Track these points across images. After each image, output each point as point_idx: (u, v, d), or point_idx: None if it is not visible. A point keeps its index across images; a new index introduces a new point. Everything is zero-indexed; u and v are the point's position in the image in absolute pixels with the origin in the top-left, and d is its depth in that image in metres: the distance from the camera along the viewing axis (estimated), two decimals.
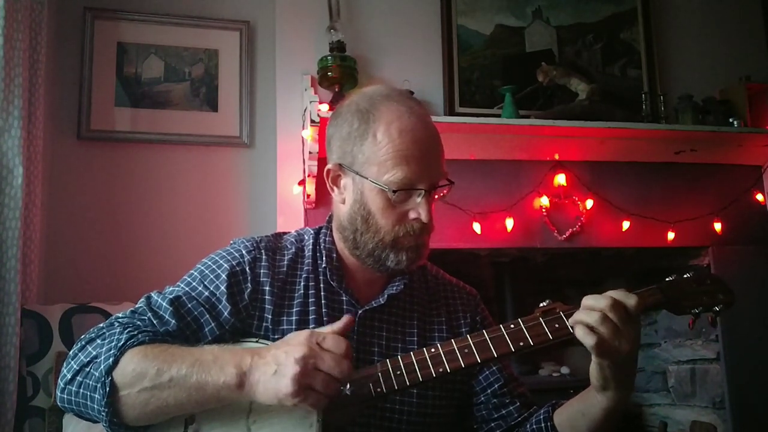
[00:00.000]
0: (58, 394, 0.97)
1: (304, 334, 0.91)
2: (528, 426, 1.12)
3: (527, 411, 1.16)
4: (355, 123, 1.07)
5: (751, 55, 2.86)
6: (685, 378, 2.73)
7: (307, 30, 2.48)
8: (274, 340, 1.03)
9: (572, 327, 0.95)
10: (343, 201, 1.11)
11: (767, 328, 2.59)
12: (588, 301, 0.95)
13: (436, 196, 1.09)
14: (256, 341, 1.03)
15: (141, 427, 0.95)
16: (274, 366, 0.88)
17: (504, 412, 1.16)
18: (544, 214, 2.49)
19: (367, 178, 1.05)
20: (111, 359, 0.92)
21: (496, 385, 1.17)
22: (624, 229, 2.56)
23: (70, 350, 1.00)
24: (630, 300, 0.95)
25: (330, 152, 1.13)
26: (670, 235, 2.58)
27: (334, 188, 1.12)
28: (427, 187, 1.05)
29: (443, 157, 1.10)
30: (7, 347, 1.90)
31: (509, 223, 2.45)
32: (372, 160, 1.05)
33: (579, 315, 0.95)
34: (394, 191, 1.03)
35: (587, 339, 0.92)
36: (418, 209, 1.05)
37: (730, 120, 2.57)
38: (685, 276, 1.08)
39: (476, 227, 2.41)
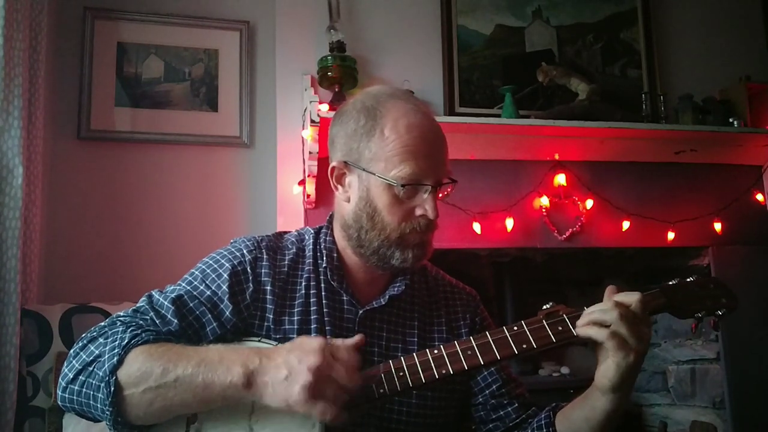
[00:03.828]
0: (60, 393, 0.97)
1: (317, 341, 0.91)
2: (529, 430, 1.12)
3: (525, 412, 1.16)
4: (361, 120, 1.08)
5: (751, 55, 2.86)
6: (685, 378, 2.73)
7: (307, 30, 2.48)
8: (276, 339, 1.03)
9: (585, 327, 0.96)
10: (348, 199, 1.10)
11: (767, 329, 2.58)
12: (600, 305, 0.98)
13: (440, 195, 1.09)
14: (259, 340, 1.03)
15: (144, 426, 0.95)
16: (286, 371, 0.88)
17: (502, 412, 1.16)
18: (544, 214, 2.49)
19: (374, 174, 1.05)
20: (115, 358, 0.91)
21: (494, 386, 1.17)
22: (624, 229, 2.55)
23: (70, 350, 0.99)
24: (634, 297, 0.97)
25: (334, 151, 1.13)
26: (670, 235, 2.58)
27: (339, 186, 1.12)
28: (433, 183, 1.06)
29: (447, 156, 1.10)
30: (7, 347, 1.90)
31: (509, 223, 2.45)
32: (379, 156, 1.05)
33: (594, 315, 0.96)
34: (403, 186, 1.03)
35: (602, 336, 0.94)
36: (424, 205, 1.06)
37: (730, 120, 2.57)
38: (688, 280, 1.08)
39: (476, 227, 2.41)
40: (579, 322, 0.98)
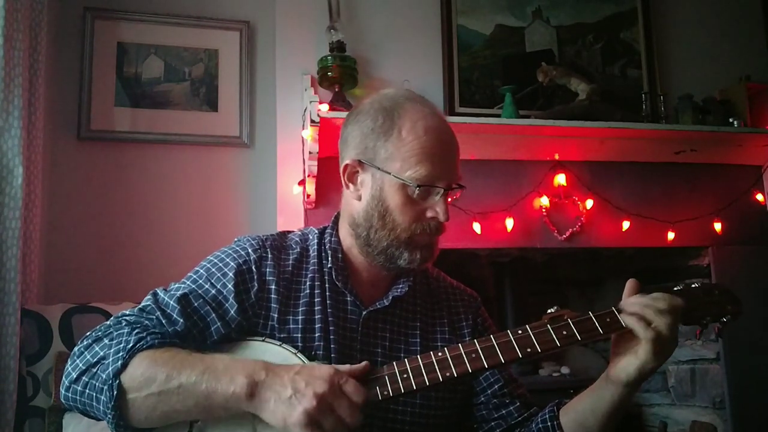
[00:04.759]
0: (63, 392, 0.97)
1: (328, 370, 0.92)
2: (533, 425, 1.12)
3: (527, 411, 1.17)
4: (379, 119, 1.09)
5: (751, 55, 2.86)
6: (685, 378, 2.74)
7: (307, 30, 2.48)
8: (280, 339, 1.04)
9: (632, 318, 0.97)
10: (359, 197, 1.11)
11: (767, 329, 2.59)
12: (640, 299, 0.99)
13: (450, 199, 1.10)
14: (263, 340, 1.03)
15: (146, 428, 0.95)
16: (291, 390, 0.88)
17: (504, 411, 1.17)
18: (544, 214, 2.49)
19: (389, 173, 1.06)
20: (120, 362, 0.92)
21: (496, 386, 1.17)
22: (624, 229, 2.56)
23: (71, 349, 1.00)
24: (677, 302, 0.98)
25: (346, 149, 1.13)
26: (670, 235, 2.58)
27: (350, 185, 1.12)
28: (445, 186, 1.07)
29: (459, 161, 1.12)
30: (7, 347, 1.90)
31: (509, 223, 2.45)
32: (396, 156, 1.06)
33: (647, 312, 0.96)
34: (418, 186, 1.04)
35: (647, 336, 0.94)
36: (435, 207, 1.07)
37: (730, 120, 2.57)
38: (693, 286, 1.08)
39: (476, 227, 2.41)
40: (629, 309, 0.98)
